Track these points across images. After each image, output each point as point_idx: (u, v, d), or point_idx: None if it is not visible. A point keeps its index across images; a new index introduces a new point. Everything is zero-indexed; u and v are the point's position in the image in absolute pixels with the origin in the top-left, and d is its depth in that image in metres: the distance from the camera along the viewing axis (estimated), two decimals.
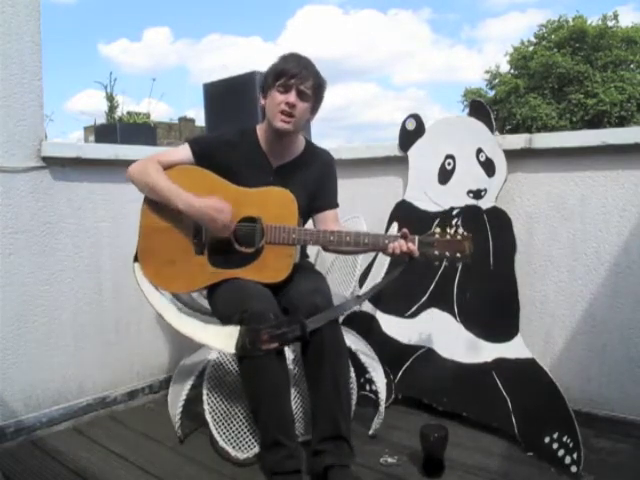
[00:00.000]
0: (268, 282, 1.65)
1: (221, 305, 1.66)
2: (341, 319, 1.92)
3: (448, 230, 1.58)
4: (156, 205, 1.68)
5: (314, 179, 1.77)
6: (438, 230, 1.59)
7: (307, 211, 1.78)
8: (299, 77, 1.62)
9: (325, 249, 1.84)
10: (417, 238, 1.58)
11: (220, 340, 1.56)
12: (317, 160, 1.80)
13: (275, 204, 1.65)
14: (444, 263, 1.60)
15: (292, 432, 1.59)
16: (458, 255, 1.56)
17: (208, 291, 1.76)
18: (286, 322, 1.53)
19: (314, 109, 1.73)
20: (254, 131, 1.77)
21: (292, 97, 1.62)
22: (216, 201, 1.62)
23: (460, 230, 1.58)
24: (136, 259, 1.74)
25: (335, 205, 1.83)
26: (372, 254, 2.09)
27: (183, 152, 1.71)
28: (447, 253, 1.56)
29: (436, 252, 1.56)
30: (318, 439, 1.57)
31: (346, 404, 1.60)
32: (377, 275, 1.95)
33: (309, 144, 1.83)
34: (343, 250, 1.78)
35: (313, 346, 1.57)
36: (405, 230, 1.59)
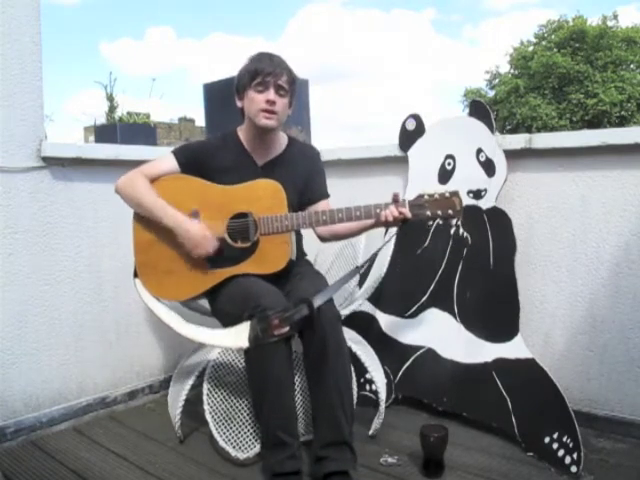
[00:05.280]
0: (269, 272, 1.66)
1: (228, 306, 1.66)
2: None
3: (435, 190, 1.59)
4: (146, 220, 1.69)
5: (301, 174, 1.79)
6: (427, 191, 1.59)
7: (298, 205, 1.78)
8: (274, 74, 1.64)
9: (322, 239, 1.84)
10: (407, 201, 1.59)
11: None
12: (302, 155, 1.82)
13: (263, 196, 1.67)
14: (438, 222, 1.60)
15: (294, 429, 1.59)
16: (450, 212, 1.57)
17: (209, 294, 1.75)
18: (292, 306, 1.53)
19: (290, 104, 1.74)
20: (235, 133, 1.79)
21: (271, 94, 1.65)
22: (203, 229, 1.63)
23: (447, 189, 1.59)
24: (135, 275, 1.75)
25: (326, 195, 1.85)
26: (371, 254, 2.09)
27: (169, 163, 1.72)
28: (439, 212, 1.57)
29: (428, 212, 1.57)
30: (320, 444, 1.57)
31: (348, 407, 1.59)
32: (377, 275, 1.95)
33: (292, 140, 1.84)
34: (339, 233, 1.78)
35: (315, 346, 1.57)
36: (396, 193, 1.60)
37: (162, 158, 1.76)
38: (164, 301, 1.76)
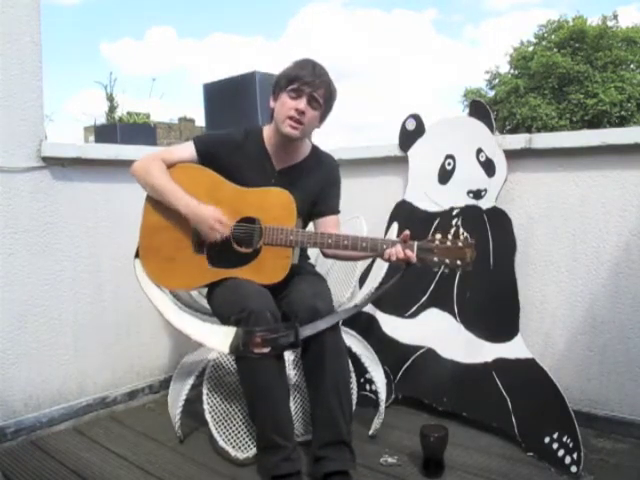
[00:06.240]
0: (265, 283, 1.64)
1: (219, 305, 1.67)
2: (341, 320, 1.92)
3: (449, 236, 1.53)
4: (158, 203, 1.68)
5: (317, 184, 1.76)
6: (439, 236, 1.54)
7: (308, 215, 1.78)
8: (312, 85, 1.61)
9: (325, 255, 1.83)
10: (416, 244, 1.53)
11: (216, 339, 1.57)
12: (321, 165, 1.80)
13: (274, 205, 1.65)
14: (443, 269, 1.56)
15: (289, 432, 1.58)
16: (458, 262, 1.51)
17: (207, 291, 1.77)
18: (282, 327, 1.52)
19: (322, 118, 1.71)
20: (260, 132, 1.76)
21: (302, 104, 1.61)
22: (217, 211, 1.62)
23: (462, 236, 1.53)
24: (137, 256, 1.75)
25: (336, 211, 1.82)
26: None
27: (188, 150, 1.71)
28: (447, 260, 1.51)
29: (435, 259, 1.52)
30: (319, 444, 1.57)
31: (347, 407, 1.59)
32: (377, 276, 1.94)
33: (315, 149, 1.81)
34: (341, 256, 1.77)
35: (313, 349, 1.57)
36: (407, 233, 1.54)
37: (182, 145, 1.76)
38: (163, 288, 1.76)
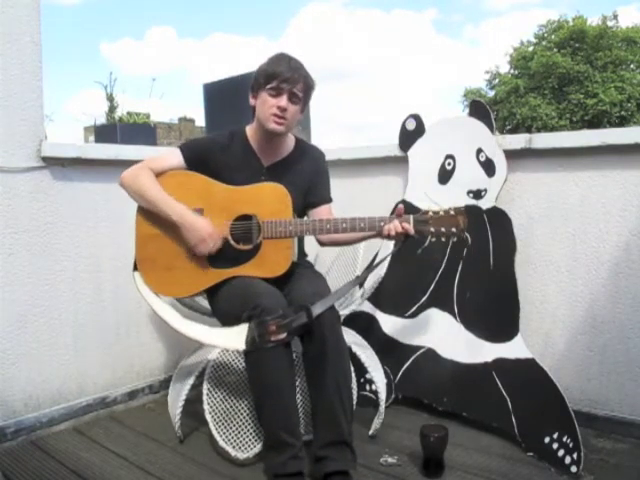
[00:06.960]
0: (269, 276, 1.65)
1: (227, 305, 1.66)
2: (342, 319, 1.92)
3: (440, 206, 1.60)
4: (149, 214, 1.69)
5: (306, 176, 1.78)
6: (432, 207, 1.60)
7: (301, 208, 1.78)
8: (290, 81, 1.63)
9: (321, 243, 1.84)
10: (412, 217, 1.59)
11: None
12: (307, 157, 1.81)
13: (269, 199, 1.66)
14: (440, 239, 1.60)
15: (297, 430, 1.59)
16: (453, 230, 1.57)
17: (209, 292, 1.76)
18: (291, 312, 1.53)
19: (302, 109, 1.74)
20: (244, 132, 1.78)
21: (284, 101, 1.64)
22: (208, 225, 1.63)
23: (453, 206, 1.59)
24: (135, 268, 1.75)
25: (329, 200, 1.84)
26: (372, 253, 2.09)
27: (175, 158, 1.72)
28: (442, 229, 1.57)
29: (431, 229, 1.58)
30: (320, 444, 1.56)
31: (348, 405, 1.59)
32: (377, 275, 1.95)
33: (299, 142, 1.83)
34: (339, 240, 1.78)
35: (314, 346, 1.57)
36: (401, 207, 1.60)
37: (168, 153, 1.77)
38: (163, 297, 1.75)
